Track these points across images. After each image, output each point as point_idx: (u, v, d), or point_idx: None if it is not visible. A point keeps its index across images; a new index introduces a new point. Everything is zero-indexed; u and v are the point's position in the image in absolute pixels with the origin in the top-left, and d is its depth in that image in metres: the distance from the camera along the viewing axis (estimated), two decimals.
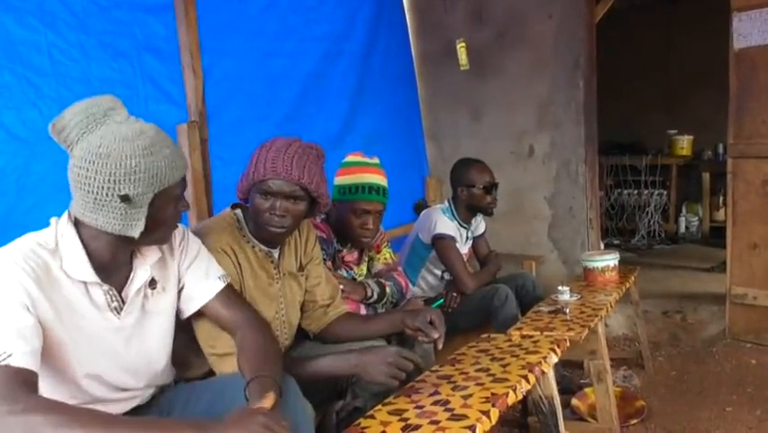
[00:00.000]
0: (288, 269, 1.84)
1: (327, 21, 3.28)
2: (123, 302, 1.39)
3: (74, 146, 1.25)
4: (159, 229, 1.34)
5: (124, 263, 1.39)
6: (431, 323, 1.77)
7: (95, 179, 1.23)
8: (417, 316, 1.81)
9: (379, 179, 2.17)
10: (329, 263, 2.16)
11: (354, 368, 1.64)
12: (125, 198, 1.24)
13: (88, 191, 1.24)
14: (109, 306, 1.36)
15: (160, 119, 2.36)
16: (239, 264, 1.70)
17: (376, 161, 2.23)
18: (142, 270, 1.41)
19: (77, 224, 1.32)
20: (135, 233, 1.28)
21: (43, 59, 2.07)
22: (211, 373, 1.68)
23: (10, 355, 1.12)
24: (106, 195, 1.24)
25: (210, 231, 1.69)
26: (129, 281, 1.40)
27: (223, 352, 1.59)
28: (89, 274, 1.31)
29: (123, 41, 2.30)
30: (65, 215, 1.33)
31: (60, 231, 1.31)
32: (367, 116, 3.55)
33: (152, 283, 1.45)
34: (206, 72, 2.57)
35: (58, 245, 1.29)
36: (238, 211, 1.80)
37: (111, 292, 1.36)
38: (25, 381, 1.13)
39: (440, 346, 1.76)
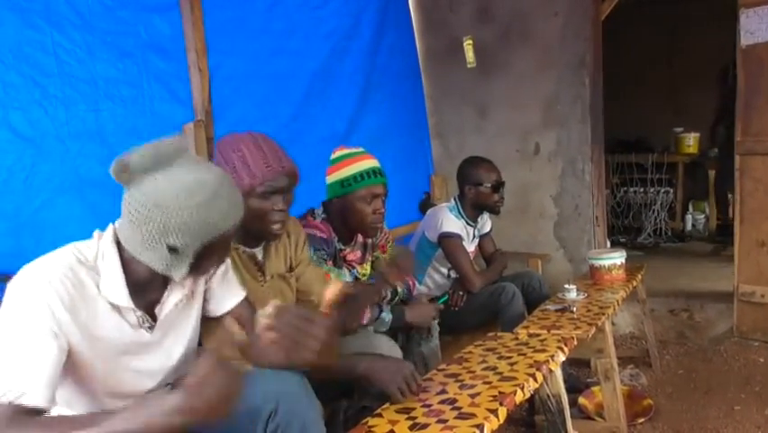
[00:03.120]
0: (277, 270, 1.83)
1: (333, 19, 3.28)
2: (155, 321, 1.38)
3: (132, 183, 1.22)
4: (201, 268, 1.33)
5: (159, 286, 1.38)
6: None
7: (146, 223, 1.21)
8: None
9: (374, 162, 2.17)
10: (329, 263, 2.15)
11: (364, 371, 1.61)
12: (173, 249, 1.23)
13: (138, 231, 1.23)
14: (141, 325, 1.36)
15: (166, 118, 2.38)
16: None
17: (362, 149, 2.23)
18: (178, 290, 1.40)
19: (118, 243, 1.30)
20: (177, 277, 1.27)
21: (49, 59, 2.07)
22: None
23: (24, 394, 1.10)
24: (155, 240, 1.22)
25: None
26: (162, 301, 1.38)
27: None
28: (124, 299, 1.29)
29: (129, 40, 2.30)
30: (109, 231, 1.31)
31: (102, 249, 1.29)
32: (373, 115, 3.55)
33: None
34: (212, 71, 2.57)
35: (97, 263, 1.28)
36: None
37: (144, 317, 1.35)
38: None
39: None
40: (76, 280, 1.23)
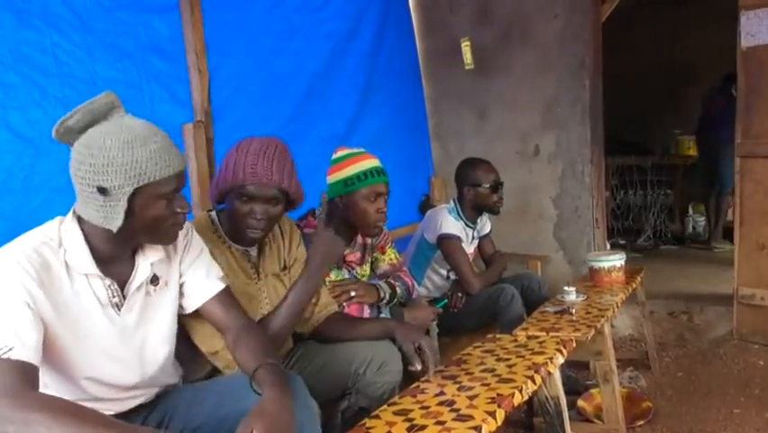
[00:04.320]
0: (271, 270, 1.84)
1: (334, 20, 3.28)
2: (125, 298, 1.39)
3: (72, 141, 1.30)
4: (149, 227, 1.33)
5: (126, 259, 1.40)
6: (419, 349, 1.74)
7: (78, 169, 1.27)
8: (408, 336, 1.79)
9: (377, 162, 2.18)
10: None
11: (391, 327, 1.83)
12: (102, 190, 1.25)
13: (77, 184, 1.29)
14: (110, 301, 1.37)
15: (166, 119, 2.38)
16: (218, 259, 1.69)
17: (363, 150, 2.23)
18: (144, 266, 1.41)
19: (80, 220, 1.34)
20: (114, 226, 1.28)
21: (48, 59, 2.07)
22: (213, 373, 1.68)
23: (11, 349, 1.14)
24: (87, 186, 1.26)
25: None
26: (131, 278, 1.40)
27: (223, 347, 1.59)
28: (91, 266, 1.32)
29: (128, 41, 2.30)
30: (70, 212, 1.36)
31: (65, 227, 1.33)
32: (373, 116, 3.55)
33: (155, 280, 1.45)
34: (212, 72, 2.57)
35: (61, 240, 1.31)
36: (212, 212, 1.80)
37: (113, 287, 1.37)
38: (26, 374, 1.14)
39: (430, 373, 1.72)
40: (42, 260, 1.27)
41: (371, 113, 3.54)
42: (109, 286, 1.36)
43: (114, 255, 1.36)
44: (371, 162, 2.15)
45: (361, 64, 3.49)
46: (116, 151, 1.24)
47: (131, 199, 1.27)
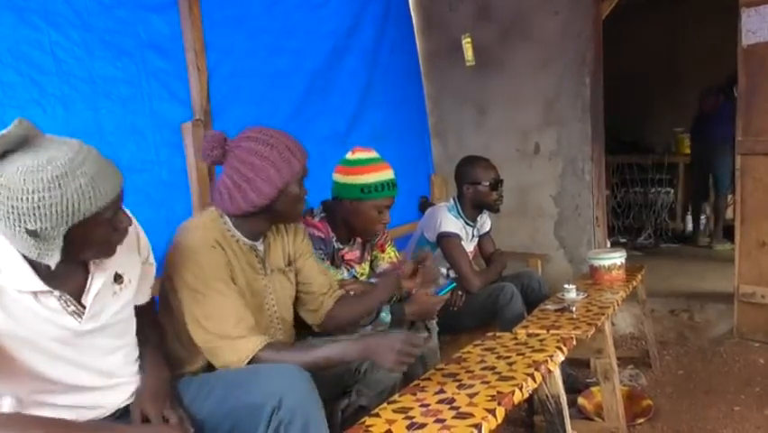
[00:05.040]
0: (276, 265, 1.84)
1: (334, 18, 3.27)
2: (83, 307, 1.33)
3: None
4: (92, 249, 1.27)
5: (76, 270, 1.32)
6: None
7: (0, 210, 1.14)
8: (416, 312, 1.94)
9: (392, 173, 2.21)
10: (327, 262, 2.16)
11: (365, 353, 1.60)
12: (33, 234, 1.15)
13: (1, 222, 1.16)
14: (66, 310, 1.30)
15: (165, 117, 2.38)
16: (226, 257, 1.69)
17: (379, 155, 2.24)
18: (100, 275, 1.35)
19: None
20: (52, 263, 1.19)
21: (47, 57, 2.06)
22: (208, 368, 1.67)
23: None
24: (15, 228, 1.15)
25: (197, 228, 1.68)
26: (87, 289, 1.33)
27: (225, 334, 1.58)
28: (36, 283, 1.24)
29: (127, 39, 2.29)
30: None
31: None
32: (373, 114, 3.55)
33: (118, 278, 1.41)
34: (211, 70, 2.56)
35: None
36: (216, 208, 1.78)
37: (64, 297, 1.30)
38: None
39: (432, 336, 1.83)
40: None
41: (371, 110, 3.54)
42: (60, 297, 1.29)
43: (58, 270, 1.24)
44: (389, 174, 2.18)
45: (361, 62, 3.48)
46: (42, 192, 1.12)
47: (66, 235, 1.18)
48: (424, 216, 3.05)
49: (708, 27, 5.76)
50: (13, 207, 1.13)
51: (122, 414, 1.46)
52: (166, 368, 1.55)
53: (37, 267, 1.24)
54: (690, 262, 5.12)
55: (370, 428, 1.40)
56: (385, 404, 1.54)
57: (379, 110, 3.61)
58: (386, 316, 2.18)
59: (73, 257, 1.24)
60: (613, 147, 5.01)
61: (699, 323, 3.70)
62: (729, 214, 5.29)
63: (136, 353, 1.52)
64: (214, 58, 2.57)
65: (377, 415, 1.48)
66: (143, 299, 1.57)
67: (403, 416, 1.45)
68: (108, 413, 1.43)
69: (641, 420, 2.61)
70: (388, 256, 2.43)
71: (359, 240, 2.32)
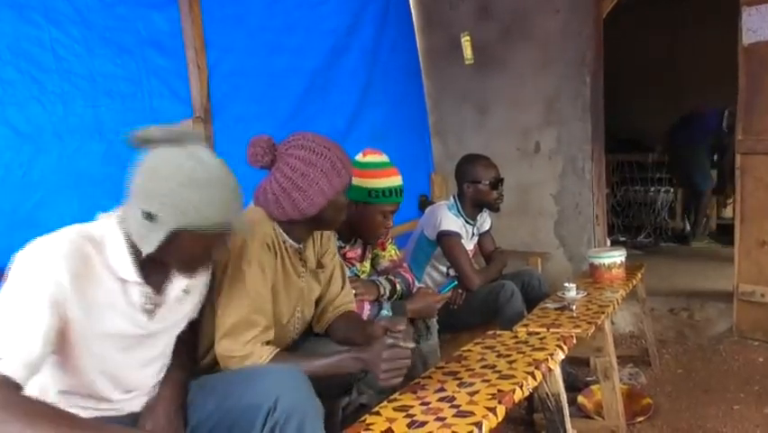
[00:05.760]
0: (311, 266, 1.85)
1: (334, 16, 3.27)
2: (157, 306, 1.38)
3: (144, 149, 1.27)
4: (182, 260, 1.33)
5: (160, 271, 1.38)
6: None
7: (136, 184, 1.25)
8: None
9: (401, 179, 2.20)
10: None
11: (363, 364, 1.58)
12: (149, 216, 1.24)
13: (129, 192, 1.27)
14: (143, 307, 1.36)
15: (165, 115, 2.37)
16: (276, 260, 1.69)
17: (388, 159, 2.24)
18: (181, 280, 1.41)
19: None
20: (145, 249, 1.27)
21: (47, 55, 2.06)
22: (209, 369, 1.67)
23: (0, 359, 1.09)
24: (137, 201, 1.25)
25: (256, 222, 1.67)
26: (166, 288, 1.39)
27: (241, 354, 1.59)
28: (131, 273, 1.31)
29: (127, 36, 2.29)
30: (115, 215, 1.34)
31: (107, 227, 1.31)
32: (373, 112, 3.54)
33: (186, 289, 1.46)
34: (211, 68, 2.56)
35: (103, 240, 1.29)
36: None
37: (148, 294, 1.36)
38: (8, 386, 1.08)
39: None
40: (83, 254, 1.25)
41: (371, 109, 3.53)
42: (145, 293, 1.35)
43: (153, 262, 1.33)
44: (398, 180, 2.18)
45: (361, 60, 3.48)
46: (176, 184, 1.23)
47: (174, 231, 1.25)
48: (424, 215, 3.05)
49: (708, 26, 5.76)
50: (146, 187, 1.23)
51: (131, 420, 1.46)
52: (185, 392, 1.50)
53: (136, 256, 1.31)
54: (689, 260, 5.12)
55: (370, 427, 1.40)
56: (385, 402, 1.53)
57: (379, 108, 3.60)
58: (387, 313, 2.18)
59: (162, 256, 1.29)
60: (613, 146, 5.02)
61: (699, 322, 3.71)
62: (729, 213, 5.33)
63: (165, 369, 1.54)
64: (214, 55, 2.57)
65: (377, 413, 1.47)
66: (194, 315, 1.58)
67: (404, 414, 1.45)
68: (118, 415, 1.44)
69: (640, 419, 2.61)
70: (389, 254, 2.43)
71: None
